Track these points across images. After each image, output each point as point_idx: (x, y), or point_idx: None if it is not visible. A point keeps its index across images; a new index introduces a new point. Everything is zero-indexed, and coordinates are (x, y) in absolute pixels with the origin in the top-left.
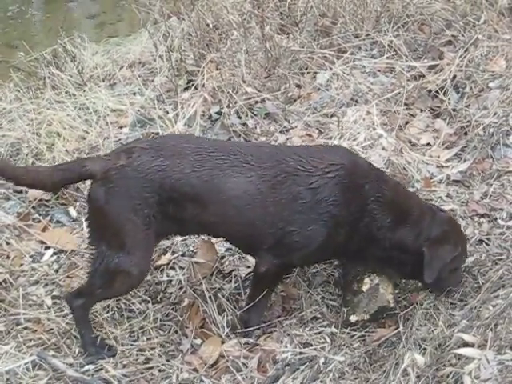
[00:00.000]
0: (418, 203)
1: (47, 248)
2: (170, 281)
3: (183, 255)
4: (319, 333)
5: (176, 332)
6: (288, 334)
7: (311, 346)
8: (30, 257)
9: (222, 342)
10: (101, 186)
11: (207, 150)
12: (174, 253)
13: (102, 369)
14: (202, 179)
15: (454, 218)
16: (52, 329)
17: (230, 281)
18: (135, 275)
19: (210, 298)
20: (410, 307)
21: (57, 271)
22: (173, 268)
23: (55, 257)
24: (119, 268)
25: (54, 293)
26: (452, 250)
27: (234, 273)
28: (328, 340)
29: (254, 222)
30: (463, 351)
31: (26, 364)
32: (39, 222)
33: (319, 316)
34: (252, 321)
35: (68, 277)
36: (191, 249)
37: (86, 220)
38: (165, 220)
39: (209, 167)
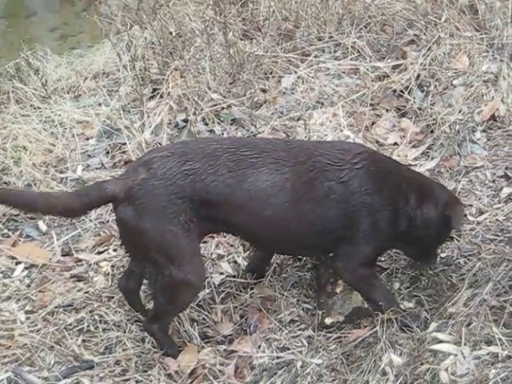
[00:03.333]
0: (425, 177)
1: (18, 263)
2: (144, 291)
3: None
4: (296, 336)
5: (152, 342)
6: (267, 339)
7: (288, 349)
8: (1, 272)
9: (199, 351)
10: (128, 206)
11: (239, 149)
12: None
13: (78, 382)
14: (238, 179)
15: None
16: (26, 344)
17: (204, 288)
18: (195, 282)
19: None
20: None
21: (29, 286)
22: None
23: (26, 271)
24: (176, 281)
25: (27, 308)
26: (463, 210)
27: (207, 280)
28: (305, 343)
29: (292, 220)
30: (440, 347)
31: (1, 381)
32: (9, 237)
33: (297, 319)
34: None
35: (40, 291)
36: None
37: (122, 244)
38: (201, 222)
39: (243, 166)
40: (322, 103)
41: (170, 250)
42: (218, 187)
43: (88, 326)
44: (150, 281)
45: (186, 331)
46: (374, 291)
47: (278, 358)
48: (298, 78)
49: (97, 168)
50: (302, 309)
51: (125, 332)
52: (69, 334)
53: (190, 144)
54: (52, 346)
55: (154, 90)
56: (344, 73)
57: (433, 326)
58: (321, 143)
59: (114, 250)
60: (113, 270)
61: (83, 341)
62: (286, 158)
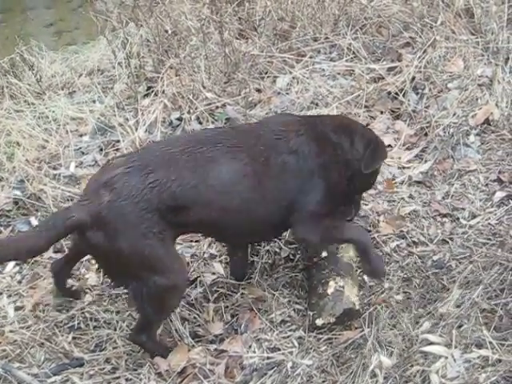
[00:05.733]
0: (355, 121)
1: None
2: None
3: None
4: (287, 337)
5: None
6: (257, 339)
7: (279, 350)
8: None
9: (189, 350)
10: (97, 231)
11: (194, 147)
12: None
13: (68, 380)
14: (201, 178)
15: None
16: (16, 340)
17: (195, 287)
18: (180, 284)
19: None
20: (373, 307)
21: (20, 282)
22: None
23: (18, 267)
24: (162, 288)
25: (18, 304)
26: (384, 155)
27: (199, 279)
28: (296, 344)
29: (259, 203)
30: (430, 349)
31: None
32: (1, 232)
33: (288, 319)
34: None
35: (31, 288)
36: None
37: (98, 268)
38: (173, 228)
39: (203, 163)
40: (317, 104)
41: (150, 262)
42: (183, 191)
43: (79, 323)
44: (135, 296)
45: (176, 330)
46: (345, 232)
47: (268, 358)
48: (293, 78)
49: (90, 165)
50: (293, 309)
51: (115, 330)
52: (59, 331)
53: (146, 154)
54: (42, 343)
55: (149, 87)
56: (339, 74)
57: (425, 325)
58: (261, 123)
59: None
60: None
61: (74, 338)
62: (239, 144)
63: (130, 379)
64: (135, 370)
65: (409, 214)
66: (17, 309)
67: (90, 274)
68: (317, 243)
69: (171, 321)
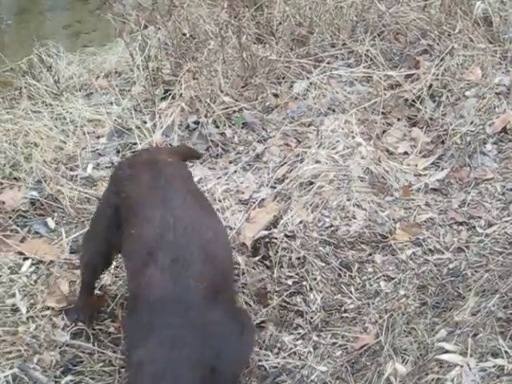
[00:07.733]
0: None
1: (26, 259)
2: None
3: None
4: (301, 338)
5: None
6: (272, 344)
7: (294, 355)
8: (9, 268)
9: None
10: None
11: None
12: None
13: (81, 381)
14: None
15: None
16: (29, 341)
17: None
18: (81, 265)
19: None
20: (389, 314)
21: (35, 282)
22: None
23: (33, 267)
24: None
25: (32, 303)
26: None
27: None
28: (311, 349)
29: None
30: (446, 357)
31: (5, 377)
32: (17, 232)
33: (300, 323)
34: None
35: (46, 288)
36: None
37: None
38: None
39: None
40: (334, 110)
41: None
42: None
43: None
44: None
45: None
46: None
47: (282, 363)
48: (311, 83)
49: (107, 167)
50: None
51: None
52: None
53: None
54: (56, 344)
55: (166, 90)
56: (356, 80)
57: (441, 333)
58: None
59: None
60: (116, 269)
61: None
62: None
63: None
64: None
65: (425, 221)
66: (31, 309)
67: (105, 274)
68: None
69: None
